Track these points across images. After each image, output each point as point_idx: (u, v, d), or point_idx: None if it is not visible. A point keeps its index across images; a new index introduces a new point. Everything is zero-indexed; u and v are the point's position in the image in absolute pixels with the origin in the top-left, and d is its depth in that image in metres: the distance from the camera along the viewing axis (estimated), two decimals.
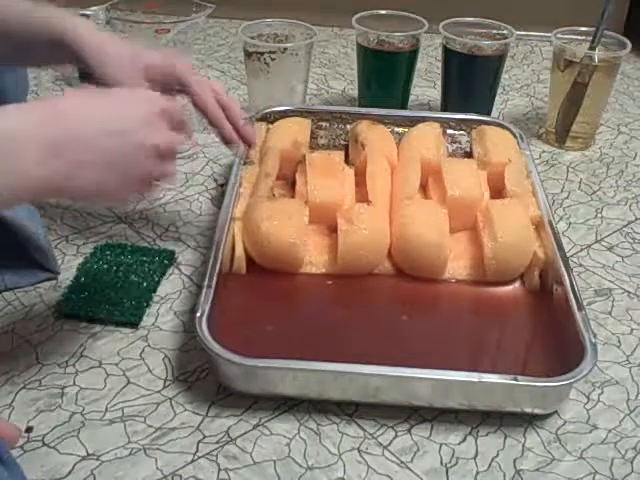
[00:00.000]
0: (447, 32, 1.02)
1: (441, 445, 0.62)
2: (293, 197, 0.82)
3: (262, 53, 0.98)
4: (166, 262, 0.79)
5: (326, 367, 0.62)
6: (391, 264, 0.77)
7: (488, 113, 1.06)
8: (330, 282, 0.75)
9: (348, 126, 0.95)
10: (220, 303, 0.68)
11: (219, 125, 0.74)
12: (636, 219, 0.92)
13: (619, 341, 0.73)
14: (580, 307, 0.68)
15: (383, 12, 1.05)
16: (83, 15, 1.07)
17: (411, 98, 1.09)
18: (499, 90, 1.09)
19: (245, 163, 0.85)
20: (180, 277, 0.78)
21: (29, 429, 0.61)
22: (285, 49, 0.98)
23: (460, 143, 0.96)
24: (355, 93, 1.11)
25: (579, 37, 1.03)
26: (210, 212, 0.88)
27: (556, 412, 0.65)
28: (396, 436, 0.63)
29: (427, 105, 1.16)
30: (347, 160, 0.88)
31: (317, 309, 0.72)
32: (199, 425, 0.63)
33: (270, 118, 0.95)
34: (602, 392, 0.68)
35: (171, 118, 0.58)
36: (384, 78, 1.04)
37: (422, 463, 0.61)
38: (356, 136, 0.90)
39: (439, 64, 1.10)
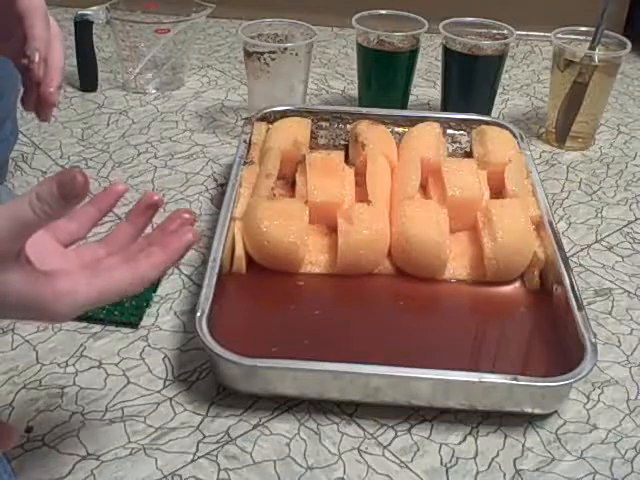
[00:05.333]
0: (447, 32, 1.02)
1: (441, 445, 0.62)
2: (293, 197, 0.82)
3: (262, 53, 0.98)
4: None
5: (326, 367, 0.62)
6: (391, 264, 0.76)
7: (488, 113, 1.06)
8: (330, 282, 0.75)
9: (348, 126, 0.95)
10: (220, 303, 0.68)
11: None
12: (636, 219, 0.92)
13: (619, 341, 0.73)
14: (580, 307, 0.68)
15: (383, 12, 1.05)
16: (83, 15, 1.07)
17: (411, 98, 1.09)
18: (499, 90, 1.09)
19: (245, 163, 0.85)
20: (180, 277, 0.78)
21: (29, 429, 0.61)
22: (285, 49, 0.98)
23: (460, 143, 0.96)
24: (355, 93, 1.11)
25: (579, 37, 1.03)
26: (210, 212, 0.88)
27: (556, 412, 0.65)
28: (396, 436, 0.63)
29: (427, 105, 1.16)
30: (347, 160, 0.88)
31: (317, 309, 0.72)
32: (199, 425, 0.63)
33: (270, 118, 0.94)
34: (602, 392, 0.68)
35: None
36: (384, 78, 1.04)
37: (422, 463, 0.61)
38: (356, 136, 0.90)
39: (439, 64, 1.10)
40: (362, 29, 1.02)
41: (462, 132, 0.96)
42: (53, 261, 0.48)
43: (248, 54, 1.00)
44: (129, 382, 0.66)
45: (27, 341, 0.70)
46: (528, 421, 0.64)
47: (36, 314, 0.42)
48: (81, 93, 1.13)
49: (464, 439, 0.63)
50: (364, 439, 0.62)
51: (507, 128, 0.94)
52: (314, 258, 0.76)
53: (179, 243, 0.46)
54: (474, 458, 0.61)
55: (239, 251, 0.75)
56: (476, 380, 0.61)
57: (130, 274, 0.44)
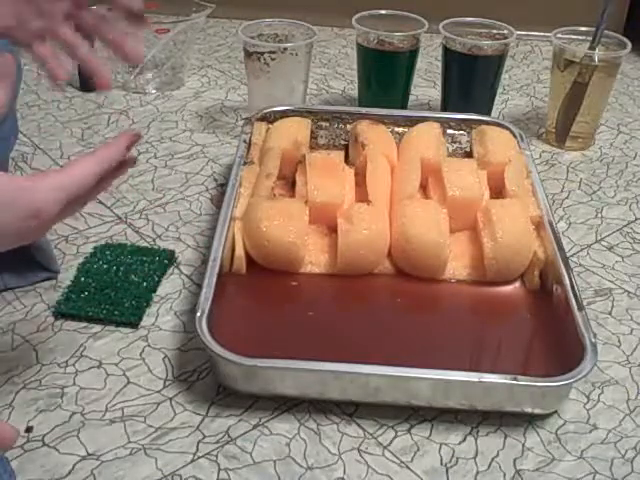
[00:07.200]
0: (447, 32, 1.02)
1: (441, 445, 0.62)
2: (293, 197, 0.82)
3: (262, 53, 0.98)
4: (166, 262, 0.79)
5: (326, 367, 0.62)
6: (391, 264, 0.76)
7: (488, 113, 1.06)
8: (330, 282, 0.75)
9: (348, 126, 0.95)
10: (220, 303, 0.68)
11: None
12: (636, 219, 0.92)
13: (619, 341, 0.73)
14: (580, 307, 0.68)
15: (383, 12, 1.05)
16: None
17: (411, 98, 1.09)
18: (499, 90, 1.09)
19: (245, 163, 0.85)
20: (180, 277, 0.78)
21: (29, 429, 0.61)
22: (285, 49, 0.98)
23: (460, 143, 0.96)
24: (355, 93, 1.11)
25: (579, 37, 1.03)
26: (210, 212, 0.88)
27: (556, 412, 0.65)
28: (396, 436, 0.63)
29: (427, 105, 1.16)
30: (347, 160, 0.88)
31: (317, 309, 0.72)
32: (199, 425, 0.63)
33: (270, 118, 0.95)
34: (602, 392, 0.68)
35: None
36: (384, 78, 1.04)
37: (422, 463, 0.61)
38: (356, 136, 0.90)
39: (439, 64, 1.10)
40: (362, 29, 1.02)
41: (462, 132, 0.96)
42: None
43: (248, 54, 1.00)
44: (129, 382, 0.66)
45: (27, 341, 0.70)
46: (528, 421, 0.64)
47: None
48: (81, 93, 1.13)
49: (464, 439, 0.63)
50: (364, 439, 0.62)
51: (507, 128, 0.94)
52: (314, 258, 0.76)
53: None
54: (474, 458, 0.61)
55: (239, 251, 0.75)
56: (476, 380, 0.61)
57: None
